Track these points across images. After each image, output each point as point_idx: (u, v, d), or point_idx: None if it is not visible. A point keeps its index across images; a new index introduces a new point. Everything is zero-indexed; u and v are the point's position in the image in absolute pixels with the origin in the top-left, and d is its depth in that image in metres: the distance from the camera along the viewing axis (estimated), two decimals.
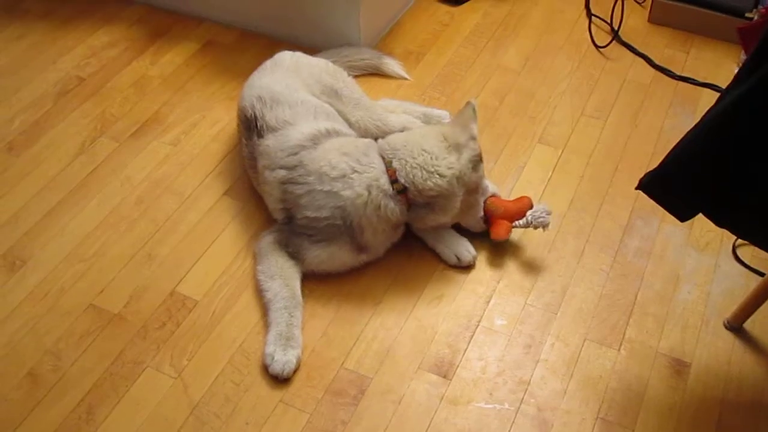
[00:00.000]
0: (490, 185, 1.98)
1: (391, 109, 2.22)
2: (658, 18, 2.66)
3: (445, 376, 1.71)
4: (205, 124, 2.29)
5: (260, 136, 1.94)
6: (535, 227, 1.92)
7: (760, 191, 1.42)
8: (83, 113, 2.32)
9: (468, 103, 1.91)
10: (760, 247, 1.60)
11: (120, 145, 2.22)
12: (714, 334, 1.80)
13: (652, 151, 2.21)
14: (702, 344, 1.78)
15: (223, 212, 2.04)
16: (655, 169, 1.56)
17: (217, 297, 1.85)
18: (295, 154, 1.87)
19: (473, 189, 1.88)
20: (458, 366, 1.73)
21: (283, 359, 1.68)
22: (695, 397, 1.69)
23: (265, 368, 1.70)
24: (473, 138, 1.88)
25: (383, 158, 1.83)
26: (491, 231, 1.92)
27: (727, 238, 1.98)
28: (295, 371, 1.70)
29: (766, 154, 1.38)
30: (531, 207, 1.92)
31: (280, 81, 2.05)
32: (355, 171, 1.80)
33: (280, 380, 1.68)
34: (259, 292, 1.83)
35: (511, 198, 2.00)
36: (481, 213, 1.94)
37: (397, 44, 2.57)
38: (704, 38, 2.60)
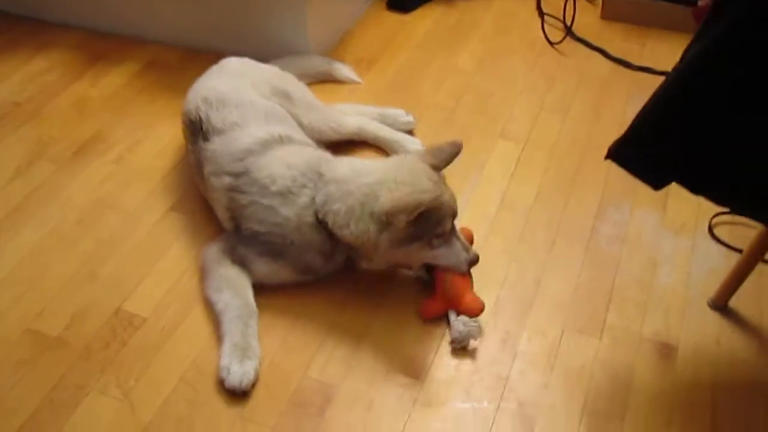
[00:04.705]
0: (461, 253, 1.65)
1: (345, 111, 2.13)
2: (610, 14, 2.63)
3: (416, 378, 1.58)
4: (150, 141, 2.17)
5: (206, 139, 1.83)
6: (452, 340, 1.61)
7: (733, 150, 1.34)
8: (19, 137, 2.19)
9: (453, 143, 1.69)
10: (738, 213, 1.51)
11: (59, 167, 2.09)
12: (699, 315, 1.70)
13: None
14: (687, 326, 1.68)
15: (170, 227, 1.91)
16: (623, 136, 1.48)
17: (165, 313, 1.71)
18: (242, 160, 1.75)
19: (404, 259, 1.68)
20: (430, 366, 1.60)
21: (240, 370, 1.54)
22: (686, 380, 1.58)
23: (221, 383, 1.55)
24: (407, 214, 1.53)
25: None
26: (422, 304, 1.69)
27: (702, 217, 1.91)
28: (254, 384, 1.56)
29: (736, 109, 1.31)
30: (478, 313, 1.61)
31: (227, 83, 1.95)
32: (290, 192, 1.67)
33: (237, 394, 1.53)
34: (209, 306, 1.69)
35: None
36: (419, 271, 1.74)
37: (348, 53, 2.49)
38: (659, 30, 2.57)
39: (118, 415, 1.52)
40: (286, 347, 1.64)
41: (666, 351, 1.63)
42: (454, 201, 1.65)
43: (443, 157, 1.69)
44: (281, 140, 1.78)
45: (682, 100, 1.35)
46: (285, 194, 1.67)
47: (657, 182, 1.49)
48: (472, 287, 1.67)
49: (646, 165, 1.47)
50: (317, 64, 2.35)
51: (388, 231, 1.57)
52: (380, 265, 1.71)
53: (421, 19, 2.66)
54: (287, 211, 1.66)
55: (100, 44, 2.55)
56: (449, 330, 1.63)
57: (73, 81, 2.39)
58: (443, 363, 1.61)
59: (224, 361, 1.56)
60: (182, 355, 1.62)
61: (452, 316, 1.63)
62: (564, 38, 2.53)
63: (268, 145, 1.76)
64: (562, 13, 2.58)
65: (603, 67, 2.43)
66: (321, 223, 1.65)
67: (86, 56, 2.50)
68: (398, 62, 2.46)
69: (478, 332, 1.61)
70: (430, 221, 1.58)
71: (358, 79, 2.36)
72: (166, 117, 2.24)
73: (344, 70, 2.36)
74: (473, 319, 1.61)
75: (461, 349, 1.62)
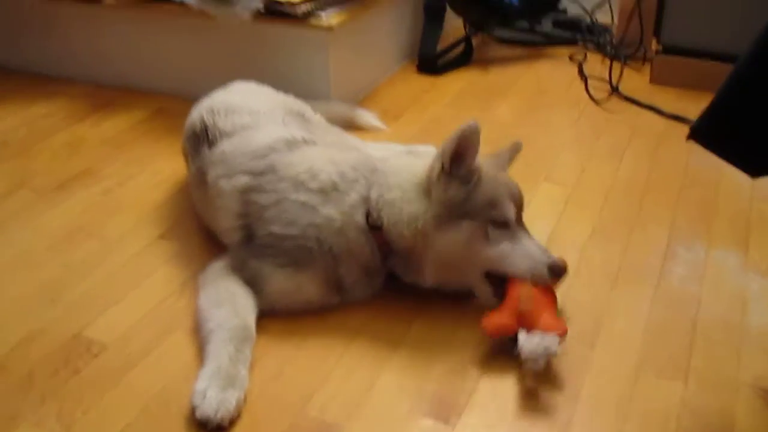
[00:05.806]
0: (538, 255, 1.35)
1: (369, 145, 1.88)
2: (660, 77, 2.41)
3: (446, 422, 1.21)
4: (144, 176, 1.92)
5: (211, 145, 1.58)
6: (525, 359, 1.25)
7: None
8: (1, 172, 1.95)
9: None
10: None
11: (39, 196, 1.83)
12: None
13: (681, 183, 1.85)
14: None
15: (156, 254, 1.61)
16: (709, 107, 1.20)
17: (134, 340, 1.37)
18: (264, 156, 1.48)
19: (456, 256, 1.36)
20: (465, 408, 1.23)
21: (217, 397, 1.18)
22: None
23: (192, 412, 1.19)
24: (442, 155, 1.34)
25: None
26: (486, 317, 1.31)
27: None
28: (233, 421, 1.19)
29: None
30: (563, 335, 1.27)
31: (237, 95, 1.73)
32: (336, 188, 1.40)
33: (210, 428, 1.17)
34: (198, 326, 1.35)
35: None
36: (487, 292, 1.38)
37: (373, 104, 2.27)
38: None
39: None
40: (283, 379, 1.28)
41: None
42: (519, 190, 1.43)
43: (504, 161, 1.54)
44: (306, 143, 1.53)
45: None
46: (328, 192, 1.40)
47: (754, 170, 1.19)
48: (555, 307, 1.33)
49: (739, 145, 1.18)
50: (338, 108, 2.12)
51: (431, 201, 1.35)
52: (432, 277, 1.40)
53: (453, 81, 2.47)
54: (330, 210, 1.38)
55: (107, 94, 2.37)
56: (519, 350, 1.25)
57: (73, 124, 2.19)
58: (481, 406, 1.23)
59: (201, 385, 1.20)
60: (147, 386, 1.27)
61: (522, 335, 1.26)
62: (610, 96, 2.30)
63: (293, 144, 1.51)
64: (607, 76, 2.38)
65: (657, 122, 2.18)
66: (372, 228, 1.38)
67: (91, 104, 2.31)
68: (428, 115, 2.23)
69: (557, 346, 1.24)
70: (480, 192, 1.36)
71: (383, 126, 2.13)
72: (168, 155, 2.00)
73: (368, 116, 2.13)
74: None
75: (534, 371, 1.26)
